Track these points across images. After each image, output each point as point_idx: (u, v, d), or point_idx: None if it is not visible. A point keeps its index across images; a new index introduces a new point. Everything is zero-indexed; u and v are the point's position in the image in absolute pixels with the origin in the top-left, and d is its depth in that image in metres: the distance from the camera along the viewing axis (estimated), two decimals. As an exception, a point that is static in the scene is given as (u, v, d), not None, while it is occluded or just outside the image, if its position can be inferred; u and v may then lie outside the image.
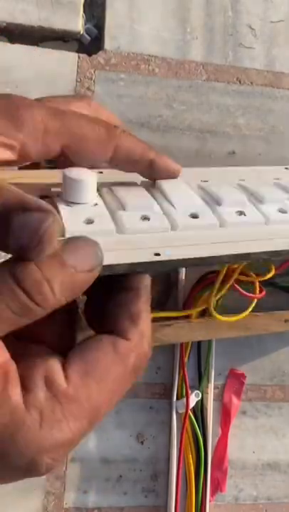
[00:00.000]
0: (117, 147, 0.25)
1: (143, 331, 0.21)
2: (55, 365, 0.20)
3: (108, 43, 0.46)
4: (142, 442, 0.48)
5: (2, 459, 0.18)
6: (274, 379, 0.51)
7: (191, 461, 0.47)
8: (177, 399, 0.47)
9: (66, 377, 0.19)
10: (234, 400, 0.50)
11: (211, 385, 0.48)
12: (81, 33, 0.45)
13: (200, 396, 0.47)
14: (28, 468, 0.19)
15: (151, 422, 0.48)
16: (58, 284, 0.18)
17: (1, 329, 0.18)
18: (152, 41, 0.46)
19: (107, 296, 0.22)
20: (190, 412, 0.47)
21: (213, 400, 0.49)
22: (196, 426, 0.47)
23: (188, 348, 0.47)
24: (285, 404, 0.51)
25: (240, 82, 0.48)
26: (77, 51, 0.46)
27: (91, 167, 0.24)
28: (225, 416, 0.50)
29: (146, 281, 0.23)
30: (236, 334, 0.45)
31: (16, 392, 0.18)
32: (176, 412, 0.47)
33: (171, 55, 0.47)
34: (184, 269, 0.47)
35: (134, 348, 0.21)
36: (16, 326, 0.19)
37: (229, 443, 0.50)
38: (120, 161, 0.25)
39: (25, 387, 0.19)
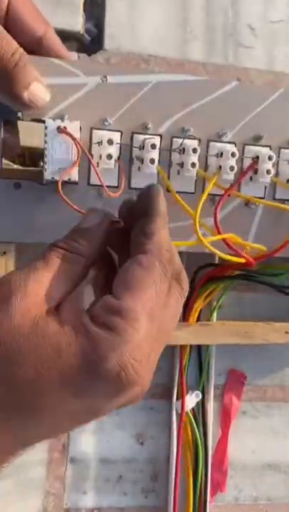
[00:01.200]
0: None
1: (160, 242, 0.26)
2: (105, 297, 0.24)
3: (108, 43, 0.46)
4: (141, 443, 0.48)
5: (93, 380, 0.22)
6: (274, 379, 0.51)
7: (189, 461, 0.47)
8: (177, 399, 0.47)
9: (117, 298, 0.23)
10: (234, 400, 0.50)
11: (211, 385, 0.48)
12: (81, 32, 0.45)
13: (200, 396, 0.47)
14: (118, 377, 0.22)
15: (151, 423, 0.48)
16: None
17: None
18: (152, 41, 0.46)
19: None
20: (190, 413, 0.47)
21: (214, 400, 0.49)
22: (196, 426, 0.47)
23: (188, 349, 0.46)
24: (285, 405, 0.51)
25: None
26: (77, 51, 0.45)
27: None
28: (225, 416, 0.50)
29: (157, 205, 0.28)
30: (236, 341, 0.45)
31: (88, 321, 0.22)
32: (176, 413, 0.47)
33: (171, 55, 0.47)
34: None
35: (154, 258, 0.25)
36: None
37: (229, 443, 0.50)
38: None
39: (92, 318, 0.23)
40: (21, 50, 0.31)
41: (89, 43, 0.46)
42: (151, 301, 0.24)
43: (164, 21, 0.47)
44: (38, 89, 0.32)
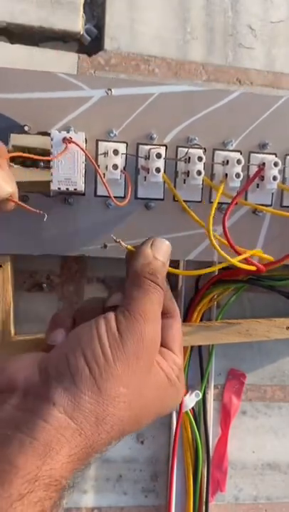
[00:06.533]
0: None
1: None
2: (173, 356, 0.33)
3: (108, 43, 0.46)
4: (142, 442, 0.48)
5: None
6: (274, 379, 0.51)
7: (189, 460, 0.47)
8: (177, 399, 0.47)
9: (178, 356, 0.34)
10: (234, 399, 0.50)
11: (211, 385, 0.48)
12: (81, 33, 0.45)
13: (200, 396, 0.47)
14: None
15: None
16: None
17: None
18: (152, 41, 0.46)
19: None
20: (190, 412, 0.47)
21: (213, 399, 0.49)
22: (196, 426, 0.47)
23: (189, 349, 0.47)
24: (285, 404, 0.51)
25: (240, 82, 0.48)
26: (77, 51, 0.46)
27: None
28: (225, 416, 0.50)
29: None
30: (238, 340, 0.45)
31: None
32: (176, 412, 0.47)
33: (171, 55, 0.47)
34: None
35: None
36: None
37: (229, 443, 0.50)
38: None
39: (173, 372, 0.32)
40: None
41: (89, 43, 0.46)
42: None
43: (164, 22, 0.47)
44: None
